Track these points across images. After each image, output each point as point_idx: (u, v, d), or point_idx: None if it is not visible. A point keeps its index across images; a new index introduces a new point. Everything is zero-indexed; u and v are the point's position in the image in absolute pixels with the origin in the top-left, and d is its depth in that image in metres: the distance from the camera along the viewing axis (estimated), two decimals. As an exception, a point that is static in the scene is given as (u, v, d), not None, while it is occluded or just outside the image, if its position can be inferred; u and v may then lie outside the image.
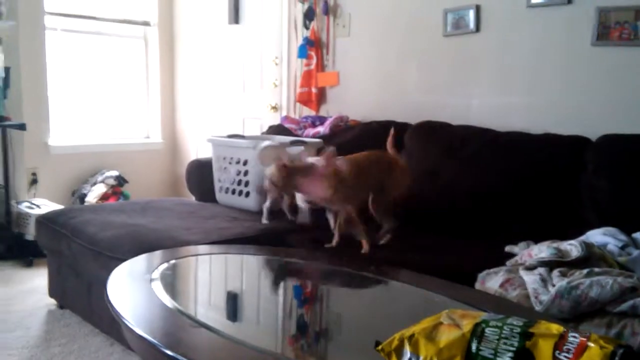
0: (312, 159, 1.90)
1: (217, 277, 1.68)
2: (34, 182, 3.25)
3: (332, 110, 2.98)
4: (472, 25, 2.42)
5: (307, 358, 1.15)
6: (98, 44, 3.63)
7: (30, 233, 2.83)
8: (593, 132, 2.00)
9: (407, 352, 0.88)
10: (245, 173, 2.36)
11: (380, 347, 0.91)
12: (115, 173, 3.46)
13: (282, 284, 1.63)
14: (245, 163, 2.35)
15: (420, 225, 2.12)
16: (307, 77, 3.04)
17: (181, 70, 3.90)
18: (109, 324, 1.90)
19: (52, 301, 2.32)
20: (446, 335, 0.87)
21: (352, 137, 2.58)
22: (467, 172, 2.12)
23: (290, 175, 1.81)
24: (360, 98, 2.89)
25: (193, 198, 2.76)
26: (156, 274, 1.46)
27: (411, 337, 0.89)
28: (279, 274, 1.71)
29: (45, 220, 2.22)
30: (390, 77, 2.77)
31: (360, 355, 1.08)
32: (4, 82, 2.87)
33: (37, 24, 3.21)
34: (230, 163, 2.43)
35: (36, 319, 2.19)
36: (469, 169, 2.13)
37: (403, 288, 1.45)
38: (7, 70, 2.89)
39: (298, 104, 3.15)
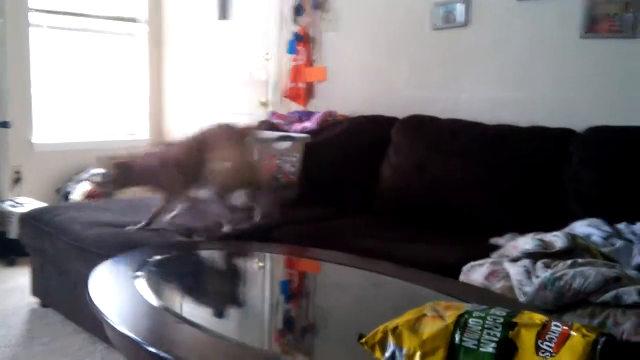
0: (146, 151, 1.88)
1: (202, 274, 1.67)
2: (18, 180, 3.20)
3: (321, 105, 2.97)
4: (462, 19, 2.42)
5: (292, 353, 1.14)
6: (85, 41, 3.58)
7: (13, 232, 2.79)
8: (582, 124, 1.99)
9: (391, 344, 0.87)
10: (233, 169, 2.34)
11: (364, 340, 0.91)
12: (101, 171, 3.42)
13: (267, 280, 1.62)
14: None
15: (406, 218, 2.12)
16: (296, 72, 3.03)
17: (169, 67, 3.86)
18: (92, 322, 1.87)
19: (35, 300, 2.29)
20: (430, 327, 0.87)
21: (340, 132, 2.57)
22: (454, 166, 2.12)
23: (128, 171, 1.82)
24: (349, 93, 2.87)
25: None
26: (141, 271, 1.44)
27: (395, 329, 0.88)
28: (264, 270, 1.70)
29: (29, 218, 2.19)
30: (379, 72, 2.76)
31: (344, 348, 1.07)
32: (-13, 79, 2.83)
33: (22, 21, 3.15)
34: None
35: (19, 318, 2.16)
36: (456, 163, 2.12)
37: (388, 281, 1.45)
38: (-10, 67, 2.85)
39: (287, 100, 3.14)
